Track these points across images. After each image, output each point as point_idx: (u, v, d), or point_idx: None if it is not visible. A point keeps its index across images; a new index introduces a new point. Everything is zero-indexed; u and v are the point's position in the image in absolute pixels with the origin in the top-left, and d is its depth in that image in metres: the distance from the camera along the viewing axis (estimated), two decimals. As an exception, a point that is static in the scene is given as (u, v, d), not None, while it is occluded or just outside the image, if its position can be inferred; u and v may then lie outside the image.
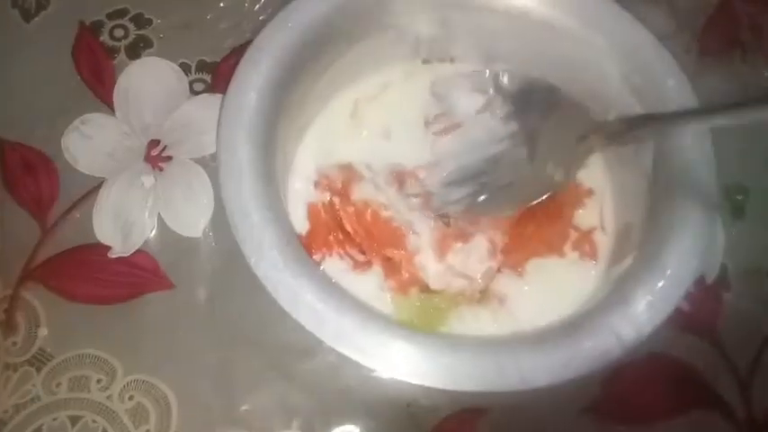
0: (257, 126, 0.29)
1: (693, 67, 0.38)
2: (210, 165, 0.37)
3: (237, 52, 0.40)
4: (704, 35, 0.40)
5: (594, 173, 0.33)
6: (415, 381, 0.26)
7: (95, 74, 0.39)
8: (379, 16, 0.32)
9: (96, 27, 0.40)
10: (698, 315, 0.32)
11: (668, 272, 0.26)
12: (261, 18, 0.41)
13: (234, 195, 0.27)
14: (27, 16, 0.41)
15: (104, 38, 0.40)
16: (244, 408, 0.32)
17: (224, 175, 0.28)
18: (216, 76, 0.40)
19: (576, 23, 0.31)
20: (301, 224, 0.33)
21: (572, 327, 0.26)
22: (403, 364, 0.26)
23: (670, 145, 0.28)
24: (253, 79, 0.30)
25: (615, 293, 0.26)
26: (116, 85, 0.39)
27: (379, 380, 0.32)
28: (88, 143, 0.37)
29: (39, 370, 0.33)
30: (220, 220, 0.36)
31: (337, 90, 0.34)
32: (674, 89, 0.30)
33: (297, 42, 0.31)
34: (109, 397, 0.32)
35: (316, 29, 0.31)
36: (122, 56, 0.40)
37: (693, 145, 0.28)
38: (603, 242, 0.31)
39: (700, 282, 0.32)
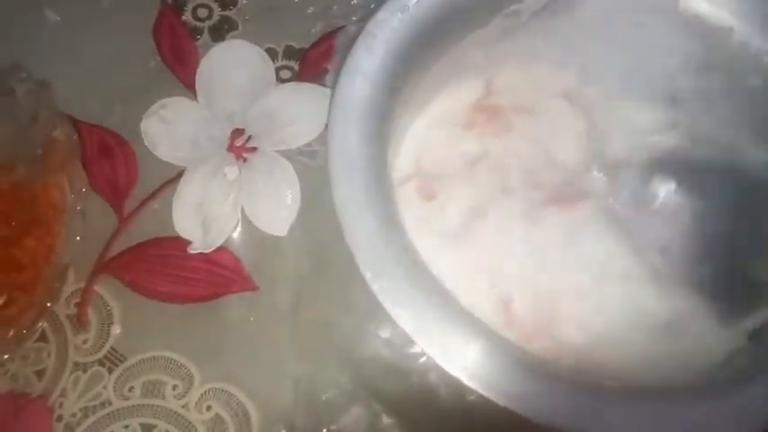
0: (372, 122, 0.26)
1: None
2: (297, 158, 0.35)
3: (328, 39, 0.37)
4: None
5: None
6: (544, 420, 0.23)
7: (177, 55, 0.37)
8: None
9: (179, 5, 0.38)
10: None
11: None
12: (353, 2, 0.38)
13: (349, 199, 0.24)
14: (107, -10, 0.38)
15: (187, 17, 0.38)
16: (330, 428, 0.30)
17: (337, 176, 0.25)
18: (304, 63, 0.37)
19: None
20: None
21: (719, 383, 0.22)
22: (538, 403, 0.23)
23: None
24: (367, 69, 0.27)
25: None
26: (199, 69, 0.36)
27: (481, 405, 0.29)
28: (168, 128, 0.35)
29: (110, 371, 0.30)
30: (307, 218, 0.33)
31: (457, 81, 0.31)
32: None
33: (415, 28, 0.28)
34: (185, 406, 0.30)
35: (436, 13, 0.28)
36: (205, 37, 0.37)
37: None
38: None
39: None
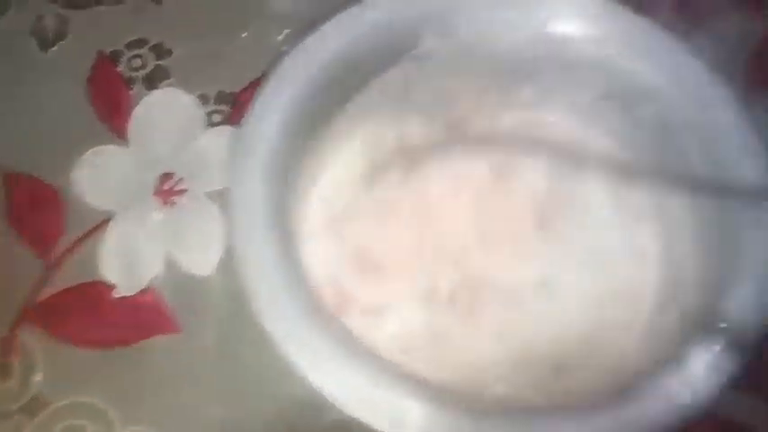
0: (273, 161, 0.27)
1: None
2: (222, 199, 0.35)
3: (256, 84, 0.38)
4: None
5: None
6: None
7: (111, 105, 0.38)
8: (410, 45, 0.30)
9: (115, 57, 0.39)
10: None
11: (728, 325, 0.23)
12: (283, 49, 0.39)
13: (246, 239, 0.25)
14: (45, 45, 0.39)
15: (122, 68, 0.39)
16: (251, 469, 0.29)
17: (236, 215, 0.25)
18: (234, 107, 0.38)
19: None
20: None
21: (617, 390, 0.22)
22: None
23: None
24: (270, 110, 0.28)
25: (666, 351, 0.23)
26: (132, 117, 0.37)
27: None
28: (99, 176, 0.35)
29: (32, 418, 0.30)
30: (232, 259, 0.34)
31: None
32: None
33: (320, 72, 0.29)
34: (104, 451, 0.30)
35: (341, 58, 0.29)
36: (140, 86, 0.38)
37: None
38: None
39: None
